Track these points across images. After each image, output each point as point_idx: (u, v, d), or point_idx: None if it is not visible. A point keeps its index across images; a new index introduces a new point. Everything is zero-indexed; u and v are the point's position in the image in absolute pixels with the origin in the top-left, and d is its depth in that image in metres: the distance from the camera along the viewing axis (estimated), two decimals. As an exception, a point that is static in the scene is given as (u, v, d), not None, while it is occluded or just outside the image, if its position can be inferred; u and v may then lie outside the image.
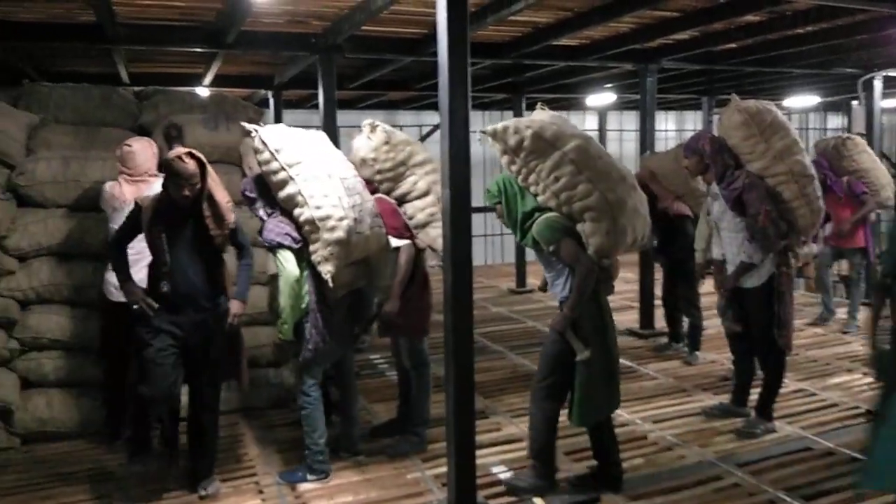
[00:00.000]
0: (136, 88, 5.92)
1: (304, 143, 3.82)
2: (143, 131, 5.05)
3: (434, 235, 4.14)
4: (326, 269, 3.65)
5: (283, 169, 3.67)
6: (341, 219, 3.65)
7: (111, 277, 4.07)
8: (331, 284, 3.67)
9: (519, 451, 4.13)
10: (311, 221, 3.63)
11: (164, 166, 3.53)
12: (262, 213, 3.78)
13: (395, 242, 4.00)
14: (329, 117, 5.72)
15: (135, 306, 3.58)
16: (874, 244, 6.71)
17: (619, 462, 3.72)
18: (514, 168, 3.52)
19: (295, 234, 3.70)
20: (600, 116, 13.50)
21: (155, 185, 4.06)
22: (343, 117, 6.39)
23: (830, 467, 3.89)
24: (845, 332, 6.62)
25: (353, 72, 7.71)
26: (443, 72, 3.14)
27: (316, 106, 6.08)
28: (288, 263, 3.67)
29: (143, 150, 4.33)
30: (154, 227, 3.54)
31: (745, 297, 4.28)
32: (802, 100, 10.75)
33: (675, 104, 12.49)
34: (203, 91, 7.39)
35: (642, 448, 4.21)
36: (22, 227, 4.47)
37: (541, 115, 3.62)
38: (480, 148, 5.01)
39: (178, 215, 3.55)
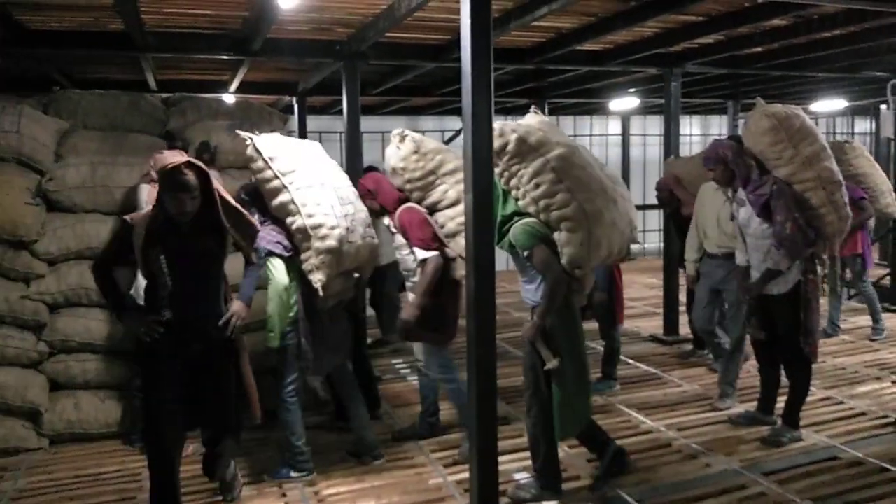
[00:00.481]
0: (164, 95, 6.01)
1: (298, 152, 3.89)
2: (170, 137, 5.13)
3: (462, 246, 4.14)
4: (318, 278, 3.70)
5: (276, 177, 3.74)
6: (333, 227, 3.72)
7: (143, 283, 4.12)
8: (321, 293, 3.71)
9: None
10: (304, 230, 3.68)
11: (162, 178, 3.14)
12: (254, 220, 3.79)
13: (421, 255, 3.98)
14: (352, 123, 5.76)
15: (147, 338, 3.14)
16: (870, 250, 6.61)
17: (610, 440, 3.81)
18: (496, 170, 3.52)
19: (286, 243, 3.77)
20: (623, 121, 13.43)
21: None
22: (366, 123, 6.45)
23: (858, 477, 3.82)
24: (873, 340, 6.52)
25: (376, 78, 7.75)
26: (466, 78, 3.15)
27: (339, 112, 6.12)
28: (277, 272, 3.73)
29: (173, 158, 4.38)
30: (151, 248, 3.10)
31: (770, 304, 4.23)
32: (829, 104, 10.61)
33: (699, 108, 12.39)
34: (229, 98, 7.48)
35: (666, 456, 4.18)
36: (51, 232, 4.55)
37: (531, 120, 3.60)
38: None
39: (178, 232, 3.14)
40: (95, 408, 4.56)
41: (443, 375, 4.27)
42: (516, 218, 3.48)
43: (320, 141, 4.94)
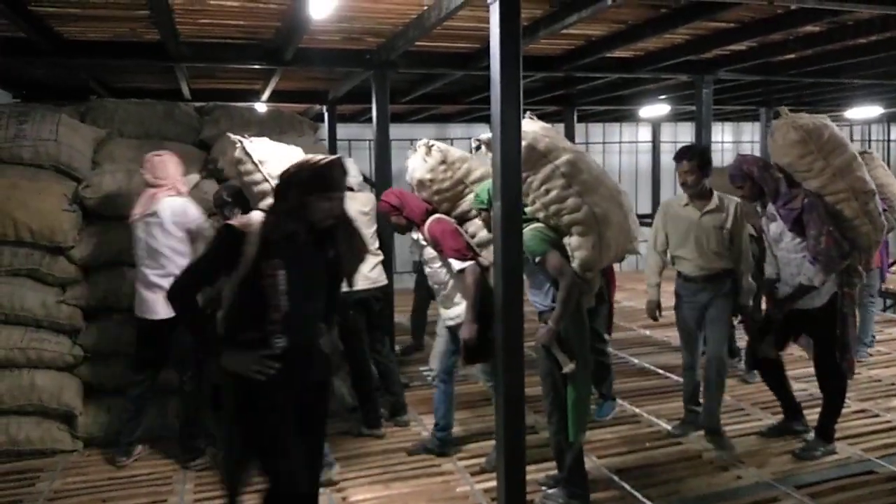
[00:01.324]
0: (198, 104, 6.10)
1: (287, 157, 3.90)
2: (205, 146, 5.21)
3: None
4: None
5: (266, 180, 3.77)
6: None
7: (146, 294, 4.16)
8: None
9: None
10: None
11: (315, 175, 2.63)
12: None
13: (457, 265, 3.92)
14: (382, 131, 5.81)
15: (261, 376, 2.58)
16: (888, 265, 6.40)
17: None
18: None
19: None
20: (654, 128, 13.33)
21: (165, 201, 4.17)
22: (395, 131, 6.48)
23: (895, 493, 3.74)
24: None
25: (405, 86, 7.80)
26: (495, 86, 3.16)
27: (369, 120, 6.17)
28: None
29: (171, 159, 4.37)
30: (269, 263, 2.58)
31: (804, 319, 4.15)
32: (864, 110, 10.43)
33: (731, 115, 12.25)
34: (261, 106, 7.57)
35: (697, 467, 4.13)
36: (87, 238, 4.64)
37: (530, 126, 3.59)
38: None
39: (296, 243, 2.64)
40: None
41: (445, 378, 4.31)
42: (524, 224, 3.49)
43: (349, 149, 4.97)
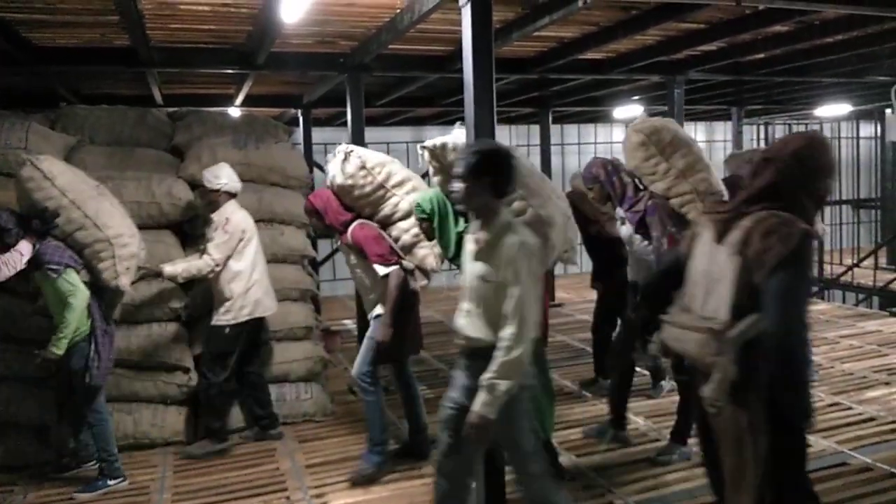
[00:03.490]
0: (170, 109, 6.05)
1: (76, 172, 4.11)
2: (177, 152, 5.17)
3: (422, 255, 4.12)
4: (124, 282, 3.95)
5: (63, 195, 3.86)
6: (132, 236, 4.01)
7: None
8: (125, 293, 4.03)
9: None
10: (104, 240, 3.89)
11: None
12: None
13: (381, 270, 3.94)
14: (357, 134, 5.80)
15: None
16: None
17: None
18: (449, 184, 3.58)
19: (77, 258, 3.90)
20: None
21: None
22: (371, 134, 6.48)
23: (868, 483, 3.81)
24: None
25: (380, 89, 7.80)
26: (468, 89, 3.18)
27: (344, 124, 6.16)
28: (81, 284, 3.84)
29: None
30: None
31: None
32: (834, 108, 10.61)
33: (703, 115, 12.39)
34: (234, 111, 7.53)
35: (675, 463, 4.15)
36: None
37: (461, 134, 3.60)
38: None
39: None
40: (123, 421, 4.57)
41: (406, 389, 4.28)
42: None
43: (325, 153, 4.96)
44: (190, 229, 4.94)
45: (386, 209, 4.12)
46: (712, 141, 13.94)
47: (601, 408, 4.99)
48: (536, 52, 6.22)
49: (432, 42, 5.59)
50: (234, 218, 4.40)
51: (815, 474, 3.90)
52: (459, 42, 3.29)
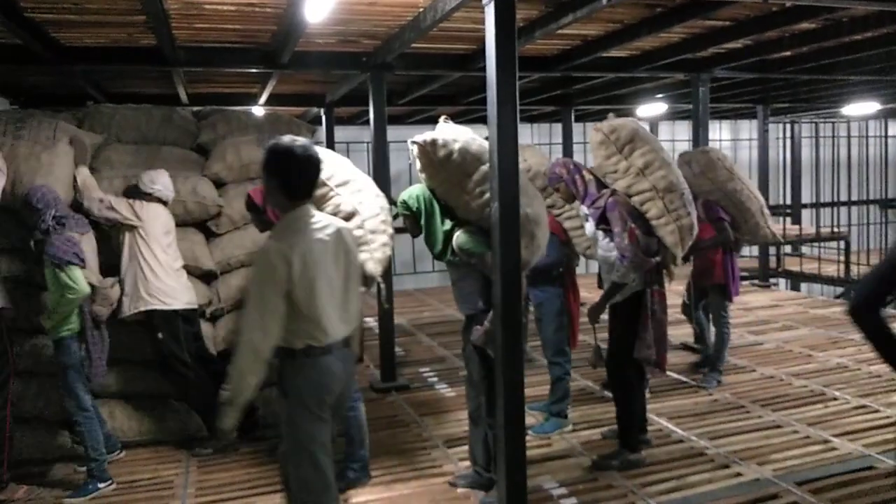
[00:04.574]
0: (195, 108, 6.11)
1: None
2: (203, 150, 5.22)
3: (363, 260, 3.64)
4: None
5: None
6: None
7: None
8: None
9: (570, 465, 4.10)
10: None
11: None
12: (48, 225, 3.86)
13: None
14: (379, 133, 5.82)
15: None
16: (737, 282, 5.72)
17: None
18: (437, 180, 3.62)
19: (81, 254, 3.88)
20: (651, 127, 13.33)
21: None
22: (393, 133, 6.49)
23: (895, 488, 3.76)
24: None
25: (402, 88, 7.81)
26: (491, 87, 3.17)
27: (366, 122, 6.19)
28: (80, 282, 3.84)
29: None
30: None
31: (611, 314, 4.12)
32: (861, 107, 10.44)
33: (729, 113, 12.27)
34: (258, 110, 7.59)
35: (698, 465, 4.13)
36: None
37: (447, 129, 3.62)
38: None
39: None
40: (129, 416, 4.64)
41: None
42: (455, 228, 3.59)
43: (347, 152, 4.98)
44: (215, 227, 4.98)
45: (328, 209, 3.82)
46: (738, 139, 13.80)
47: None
48: (560, 49, 6.19)
49: (455, 40, 5.59)
50: (143, 213, 4.43)
51: (842, 478, 3.87)
52: (482, 40, 3.29)
